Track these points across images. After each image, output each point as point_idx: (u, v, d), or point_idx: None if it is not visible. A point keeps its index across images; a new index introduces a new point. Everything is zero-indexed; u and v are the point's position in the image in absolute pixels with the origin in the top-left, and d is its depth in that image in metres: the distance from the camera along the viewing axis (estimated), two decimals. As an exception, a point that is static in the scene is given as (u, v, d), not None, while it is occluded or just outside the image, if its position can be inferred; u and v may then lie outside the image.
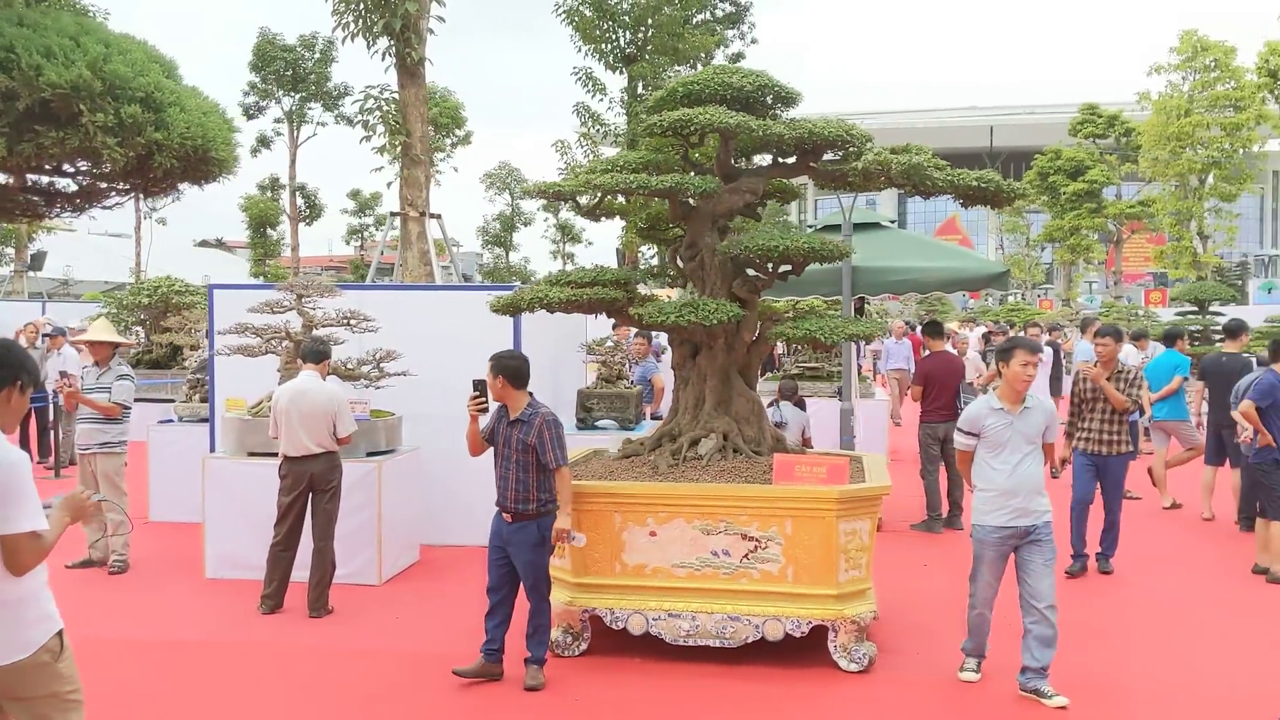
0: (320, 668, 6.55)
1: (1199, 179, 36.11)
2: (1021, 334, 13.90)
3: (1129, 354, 13.96)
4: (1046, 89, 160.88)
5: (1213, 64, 35.24)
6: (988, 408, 6.10)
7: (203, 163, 16.68)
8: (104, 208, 19.41)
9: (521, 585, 6.23)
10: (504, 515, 6.20)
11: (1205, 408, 11.42)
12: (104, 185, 18.03)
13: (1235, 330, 11.43)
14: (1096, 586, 8.47)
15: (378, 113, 14.28)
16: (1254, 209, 75.04)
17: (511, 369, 6.19)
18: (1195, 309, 22.36)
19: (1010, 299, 50.00)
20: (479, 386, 6.29)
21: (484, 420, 6.41)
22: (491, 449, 6.34)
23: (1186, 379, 11.84)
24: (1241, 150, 35.13)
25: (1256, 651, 6.77)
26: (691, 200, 7.03)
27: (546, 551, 6.18)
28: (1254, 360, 10.86)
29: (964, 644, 6.35)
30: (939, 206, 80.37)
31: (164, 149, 15.65)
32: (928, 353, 11.20)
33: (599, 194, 7.17)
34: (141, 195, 22.54)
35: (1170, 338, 12.32)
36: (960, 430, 6.22)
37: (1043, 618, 5.86)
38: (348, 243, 56.45)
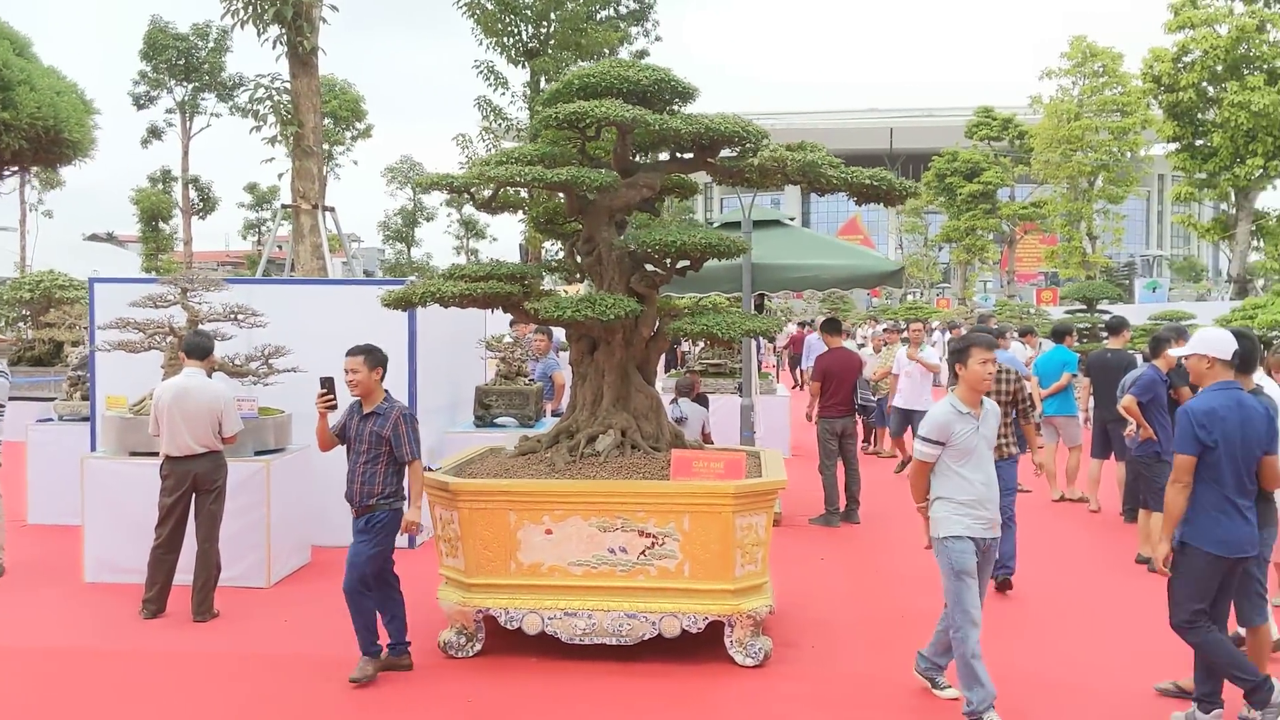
0: (204, 674, 6.33)
1: (1088, 181, 37.25)
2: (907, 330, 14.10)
3: (1017, 350, 14.28)
4: (945, 90, 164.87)
5: (1101, 69, 36.42)
6: (954, 412, 5.55)
7: (55, 144, 15.91)
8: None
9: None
10: (351, 510, 6.22)
11: (1092, 403, 11.71)
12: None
13: (1117, 327, 11.76)
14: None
15: (269, 102, 13.90)
16: (1139, 211, 77.78)
17: (385, 361, 6.36)
18: (1084, 307, 23.06)
19: (909, 297, 50.97)
20: (327, 384, 6.36)
21: (334, 416, 6.44)
22: (343, 445, 6.39)
23: (1075, 375, 12.14)
24: (1128, 154, 36.33)
25: (1134, 638, 6.93)
26: (588, 194, 6.96)
27: (384, 542, 6.18)
28: (1139, 357, 11.17)
29: (975, 704, 5.36)
30: (841, 207, 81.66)
31: (11, 129, 14.91)
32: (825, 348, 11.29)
33: (495, 186, 7.04)
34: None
35: (1058, 334, 12.60)
36: (925, 439, 5.60)
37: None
38: (244, 238, 55.14)
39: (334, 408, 6.37)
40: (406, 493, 6.29)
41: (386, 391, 6.34)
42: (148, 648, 6.80)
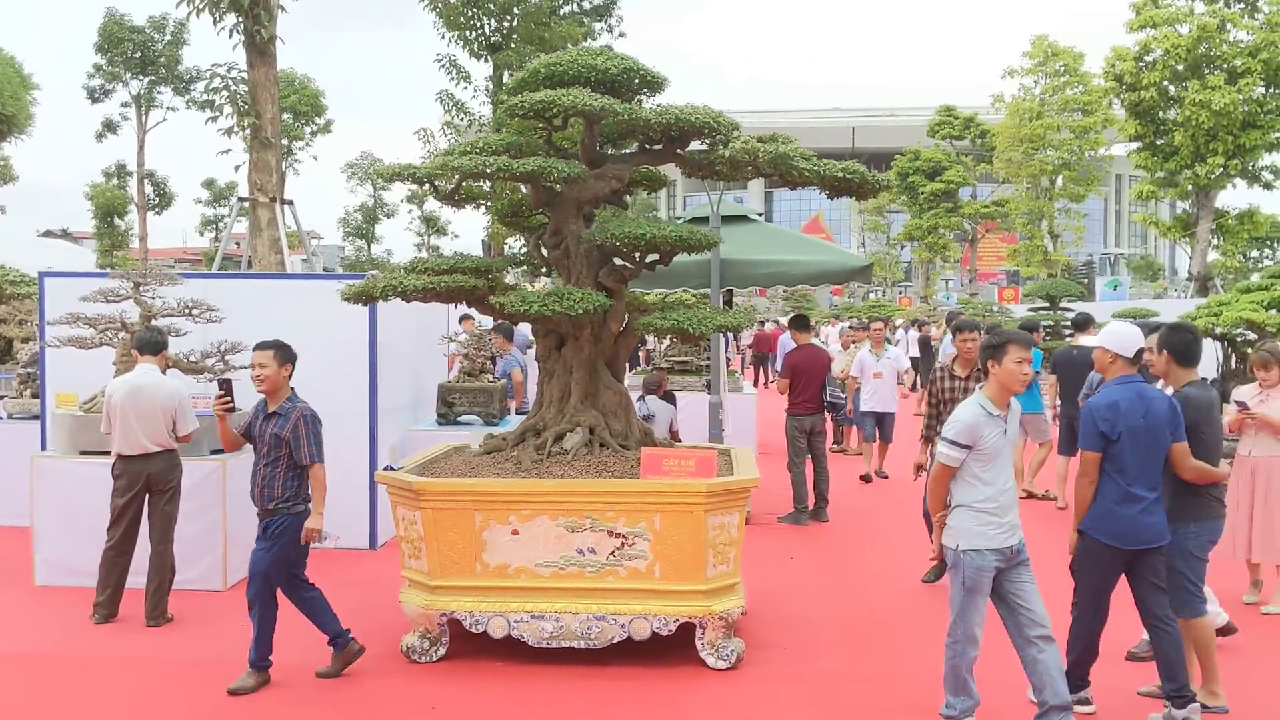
0: (158, 681, 6.12)
1: (1050, 180, 37.51)
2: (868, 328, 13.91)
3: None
4: (907, 89, 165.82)
5: (1062, 69, 36.68)
6: (984, 414, 5.14)
7: (-13, 119, 15.38)
8: None
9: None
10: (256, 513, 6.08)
11: (1058, 400, 11.69)
12: None
13: (1083, 323, 11.76)
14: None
15: (225, 92, 13.56)
16: (1098, 211, 78.62)
17: (295, 358, 6.22)
18: (1047, 304, 23.17)
19: (872, 296, 51.19)
20: (224, 386, 6.28)
21: (243, 416, 6.39)
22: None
23: (1039, 372, 12.12)
24: (1089, 152, 36.64)
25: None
26: (555, 186, 6.80)
27: (285, 548, 6.00)
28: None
29: (958, 710, 5.24)
30: (803, 205, 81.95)
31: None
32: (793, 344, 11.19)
33: (459, 177, 6.85)
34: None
35: (1025, 331, 12.57)
36: (951, 442, 5.17)
37: (1050, 641, 5.13)
38: (202, 234, 54.38)
39: (232, 410, 6.27)
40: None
41: (293, 390, 6.16)
42: (99, 653, 6.58)
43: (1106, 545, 5.39)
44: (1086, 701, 5.61)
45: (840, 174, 6.75)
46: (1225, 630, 6.50)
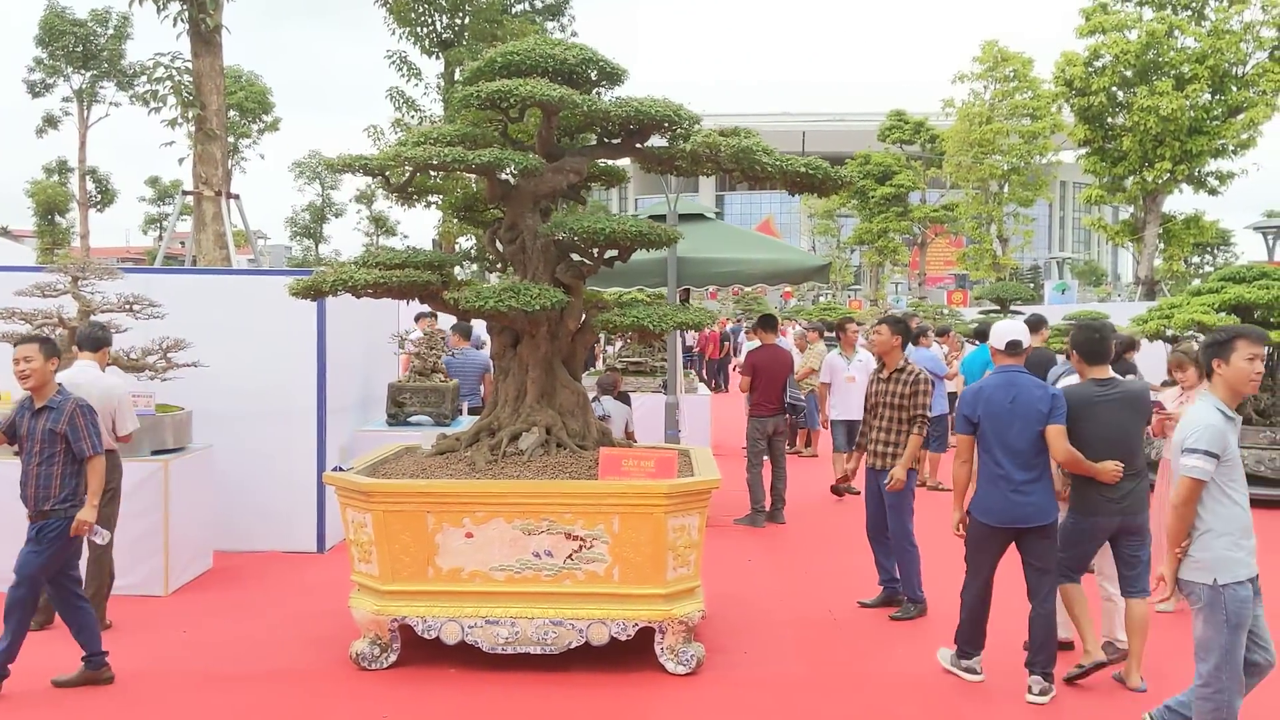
0: (94, 692, 5.84)
1: (999, 185, 37.85)
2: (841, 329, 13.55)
3: (937, 350, 14.17)
4: (857, 89, 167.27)
5: (1012, 74, 37.04)
6: (1224, 418, 4.52)
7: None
8: None
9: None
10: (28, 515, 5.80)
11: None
12: None
13: (1036, 325, 11.75)
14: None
15: (169, 83, 13.19)
16: (1043, 216, 79.67)
17: (60, 353, 6.01)
18: (997, 308, 23.33)
19: (822, 298, 51.42)
20: None
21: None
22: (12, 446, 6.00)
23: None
24: (1038, 157, 37.03)
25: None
26: (512, 178, 6.61)
27: (58, 552, 5.75)
28: (1060, 356, 11.18)
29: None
30: (754, 208, 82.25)
31: None
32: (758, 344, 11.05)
33: (411, 169, 6.64)
34: None
35: (982, 334, 12.56)
36: (1202, 452, 4.45)
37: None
38: (145, 232, 53.39)
39: None
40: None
41: (60, 385, 5.91)
42: (33, 663, 6.25)
43: (982, 522, 5.81)
44: (974, 671, 6.00)
45: (803, 169, 6.65)
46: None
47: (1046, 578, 5.73)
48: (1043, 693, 5.62)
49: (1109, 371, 5.92)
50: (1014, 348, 5.92)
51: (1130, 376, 8.69)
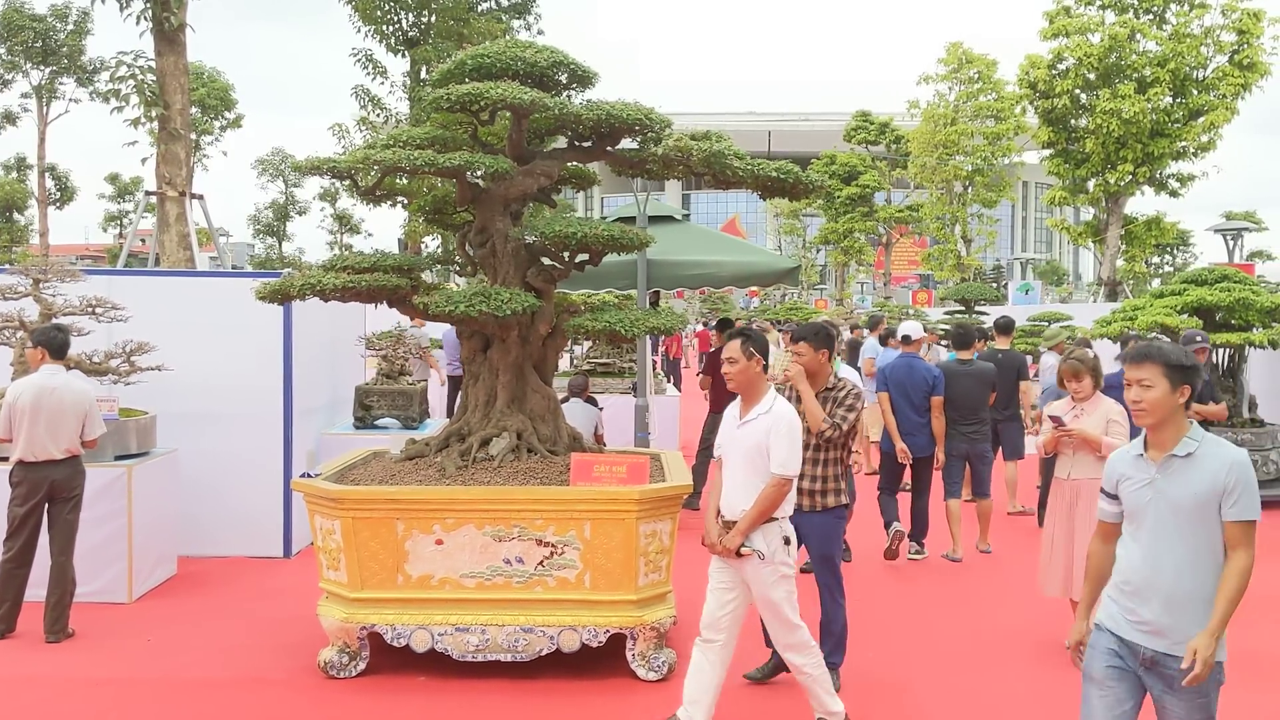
0: (57, 700, 5.75)
1: (963, 185, 38.07)
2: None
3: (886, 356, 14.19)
4: (822, 89, 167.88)
5: (976, 76, 37.24)
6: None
7: None
8: None
9: None
10: None
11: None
12: None
13: (1006, 327, 11.84)
14: (876, 608, 8.47)
15: (132, 81, 12.98)
16: (1006, 217, 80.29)
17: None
18: (962, 308, 23.47)
19: (788, 299, 51.53)
20: None
21: None
22: None
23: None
24: (1002, 159, 37.27)
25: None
26: (482, 181, 6.56)
27: None
28: (1030, 357, 11.28)
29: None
30: (719, 208, 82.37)
31: None
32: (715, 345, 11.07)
33: (379, 172, 6.58)
34: None
35: (890, 334, 12.71)
36: None
37: None
38: (105, 230, 52.75)
39: None
40: None
41: None
42: (-9, 674, 6.18)
43: (886, 453, 8.95)
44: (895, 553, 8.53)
45: (774, 174, 6.66)
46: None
47: (924, 490, 9.00)
48: (916, 552, 8.97)
49: (970, 354, 9.25)
50: (907, 340, 9.23)
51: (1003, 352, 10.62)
